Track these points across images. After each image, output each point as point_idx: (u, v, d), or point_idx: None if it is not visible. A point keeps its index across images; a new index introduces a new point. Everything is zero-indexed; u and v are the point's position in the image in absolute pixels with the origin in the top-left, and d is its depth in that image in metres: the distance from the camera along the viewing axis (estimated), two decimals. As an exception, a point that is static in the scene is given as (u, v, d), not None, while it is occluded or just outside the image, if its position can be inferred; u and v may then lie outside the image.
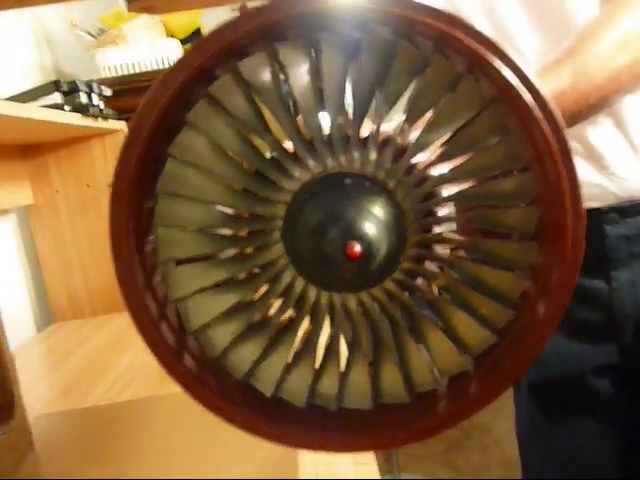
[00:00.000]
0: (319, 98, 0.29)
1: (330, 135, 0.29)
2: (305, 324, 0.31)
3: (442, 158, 0.30)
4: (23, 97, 0.96)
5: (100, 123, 1.11)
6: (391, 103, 0.29)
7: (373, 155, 0.30)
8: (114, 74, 1.48)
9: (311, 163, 0.29)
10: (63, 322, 1.26)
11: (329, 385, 0.31)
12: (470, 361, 0.30)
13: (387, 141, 0.30)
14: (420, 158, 0.30)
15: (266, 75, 0.29)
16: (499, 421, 1.84)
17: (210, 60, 0.27)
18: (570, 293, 0.28)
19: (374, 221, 0.27)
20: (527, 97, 0.27)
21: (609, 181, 0.64)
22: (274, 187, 0.29)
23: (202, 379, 0.30)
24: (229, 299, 0.31)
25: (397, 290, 0.30)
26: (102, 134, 1.22)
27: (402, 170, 0.29)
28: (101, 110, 1.10)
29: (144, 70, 1.48)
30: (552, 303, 0.28)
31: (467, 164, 0.30)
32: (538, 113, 0.27)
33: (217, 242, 0.31)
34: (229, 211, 0.30)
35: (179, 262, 0.31)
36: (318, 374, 0.31)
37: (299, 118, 0.29)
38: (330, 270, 0.27)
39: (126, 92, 1.36)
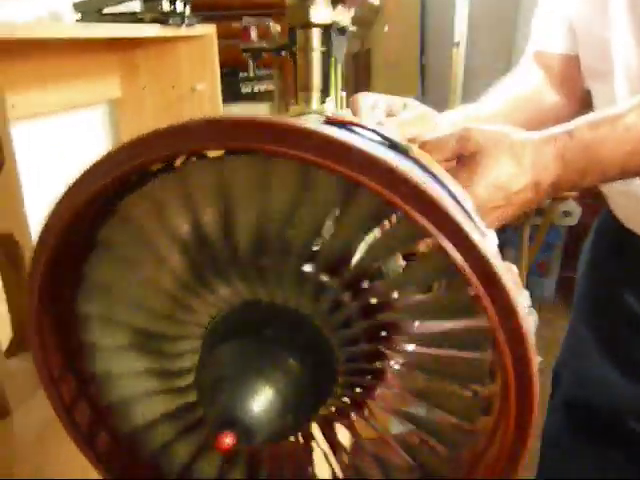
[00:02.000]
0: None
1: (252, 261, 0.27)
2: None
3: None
4: (103, 3, 0.95)
5: (183, 31, 1.08)
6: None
7: (310, 290, 0.27)
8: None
9: (223, 291, 0.27)
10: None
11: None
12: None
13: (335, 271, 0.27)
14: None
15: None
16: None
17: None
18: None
19: (269, 397, 0.24)
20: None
21: None
22: (191, 311, 0.28)
23: (111, 461, 0.31)
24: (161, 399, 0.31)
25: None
26: (188, 38, 1.19)
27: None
28: (185, 17, 1.07)
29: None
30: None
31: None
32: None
33: (145, 337, 0.30)
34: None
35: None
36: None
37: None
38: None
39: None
